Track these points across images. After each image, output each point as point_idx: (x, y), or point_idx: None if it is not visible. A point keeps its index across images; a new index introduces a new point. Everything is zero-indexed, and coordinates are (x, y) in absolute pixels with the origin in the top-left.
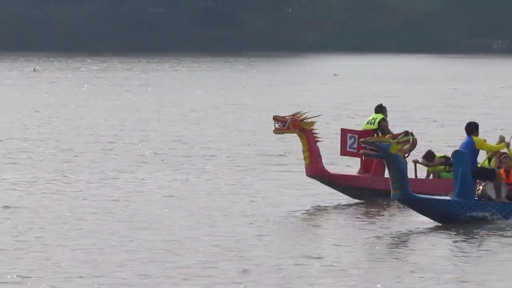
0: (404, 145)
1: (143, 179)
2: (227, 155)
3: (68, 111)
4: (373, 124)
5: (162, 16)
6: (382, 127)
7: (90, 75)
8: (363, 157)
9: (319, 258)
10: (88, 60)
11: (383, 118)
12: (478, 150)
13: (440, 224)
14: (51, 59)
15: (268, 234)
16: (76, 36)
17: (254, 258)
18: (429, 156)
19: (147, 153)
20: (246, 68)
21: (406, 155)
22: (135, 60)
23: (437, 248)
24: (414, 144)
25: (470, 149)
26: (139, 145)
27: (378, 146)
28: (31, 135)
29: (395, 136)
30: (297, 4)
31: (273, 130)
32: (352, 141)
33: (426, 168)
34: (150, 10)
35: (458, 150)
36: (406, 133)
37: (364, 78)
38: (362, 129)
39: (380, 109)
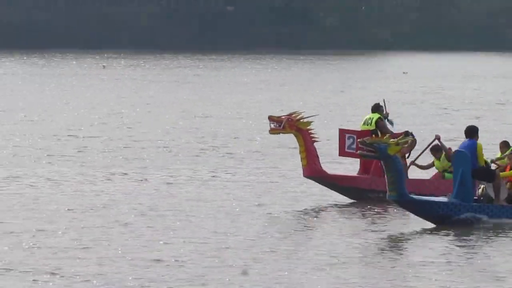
0: (403, 146)
1: (188, 176)
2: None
3: (131, 107)
4: (370, 124)
5: (233, 14)
6: (380, 126)
7: (155, 72)
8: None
9: (315, 258)
10: (154, 57)
11: (379, 118)
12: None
13: (437, 226)
14: (118, 56)
15: (264, 234)
16: (145, 34)
17: (249, 259)
18: (435, 150)
19: (201, 150)
20: (313, 66)
21: (406, 155)
22: (207, 58)
23: (432, 250)
24: (412, 145)
25: (471, 151)
26: (193, 142)
27: (376, 147)
28: (93, 132)
29: (395, 136)
30: (371, 2)
31: (269, 131)
32: (350, 142)
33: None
34: (222, 7)
35: (458, 150)
36: (406, 134)
37: (433, 76)
38: (360, 130)
39: (376, 108)
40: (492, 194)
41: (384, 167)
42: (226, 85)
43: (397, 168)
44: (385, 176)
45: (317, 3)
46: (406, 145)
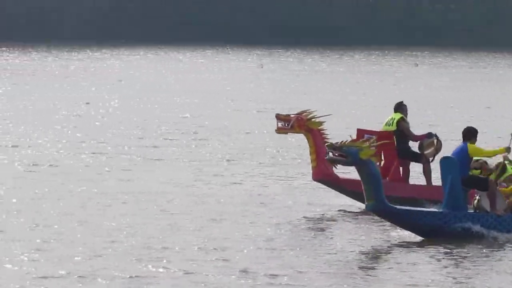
0: (429, 149)
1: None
2: None
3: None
4: (391, 125)
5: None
6: (402, 127)
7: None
8: (382, 161)
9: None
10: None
11: (402, 118)
12: (471, 158)
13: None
14: (430, 53)
15: (269, 241)
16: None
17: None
18: None
19: None
20: None
21: (430, 159)
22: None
23: (422, 265)
24: (438, 148)
25: (462, 156)
26: None
27: (346, 151)
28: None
29: (418, 138)
30: None
31: (275, 130)
32: None
33: None
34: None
35: (446, 157)
36: (430, 135)
37: None
38: (380, 130)
39: (398, 107)
40: (487, 205)
41: (358, 173)
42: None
43: (372, 174)
44: (362, 184)
45: None
46: (431, 148)
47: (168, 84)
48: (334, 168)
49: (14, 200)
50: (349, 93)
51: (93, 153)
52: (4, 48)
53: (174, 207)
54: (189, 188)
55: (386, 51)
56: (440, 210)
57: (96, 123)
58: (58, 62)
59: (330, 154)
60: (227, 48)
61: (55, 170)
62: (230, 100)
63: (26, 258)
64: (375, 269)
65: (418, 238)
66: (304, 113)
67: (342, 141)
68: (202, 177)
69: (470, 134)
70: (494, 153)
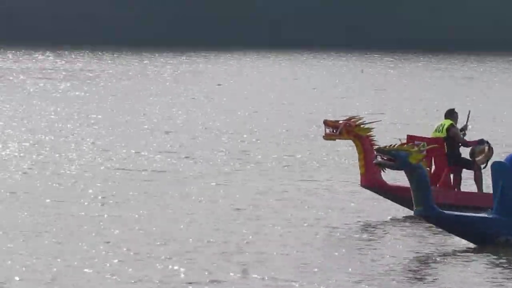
0: (480, 156)
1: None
2: None
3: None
4: (441, 131)
5: None
6: (452, 134)
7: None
8: (433, 167)
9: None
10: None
11: (451, 124)
12: None
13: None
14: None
15: (314, 248)
16: None
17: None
18: None
19: None
20: None
21: (482, 166)
22: None
23: (473, 274)
24: (489, 154)
25: None
26: None
27: (395, 155)
28: None
29: (469, 144)
30: None
31: (323, 136)
32: None
33: None
34: None
35: (497, 161)
36: (481, 141)
37: None
38: (431, 137)
39: (449, 114)
40: None
41: (407, 178)
42: None
43: (421, 179)
44: (411, 188)
45: None
46: (482, 155)
47: (265, 88)
48: (382, 174)
49: (100, 205)
50: (442, 100)
51: (186, 157)
52: (116, 53)
53: (260, 212)
54: (276, 193)
55: (485, 56)
56: (491, 216)
57: (189, 127)
58: (153, 67)
59: (379, 158)
60: (323, 53)
61: (144, 174)
62: (324, 105)
63: (106, 262)
64: (426, 277)
65: (470, 245)
66: (353, 119)
67: (390, 145)
68: (289, 181)
69: None
70: None
